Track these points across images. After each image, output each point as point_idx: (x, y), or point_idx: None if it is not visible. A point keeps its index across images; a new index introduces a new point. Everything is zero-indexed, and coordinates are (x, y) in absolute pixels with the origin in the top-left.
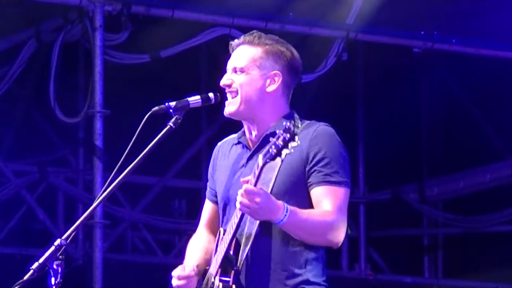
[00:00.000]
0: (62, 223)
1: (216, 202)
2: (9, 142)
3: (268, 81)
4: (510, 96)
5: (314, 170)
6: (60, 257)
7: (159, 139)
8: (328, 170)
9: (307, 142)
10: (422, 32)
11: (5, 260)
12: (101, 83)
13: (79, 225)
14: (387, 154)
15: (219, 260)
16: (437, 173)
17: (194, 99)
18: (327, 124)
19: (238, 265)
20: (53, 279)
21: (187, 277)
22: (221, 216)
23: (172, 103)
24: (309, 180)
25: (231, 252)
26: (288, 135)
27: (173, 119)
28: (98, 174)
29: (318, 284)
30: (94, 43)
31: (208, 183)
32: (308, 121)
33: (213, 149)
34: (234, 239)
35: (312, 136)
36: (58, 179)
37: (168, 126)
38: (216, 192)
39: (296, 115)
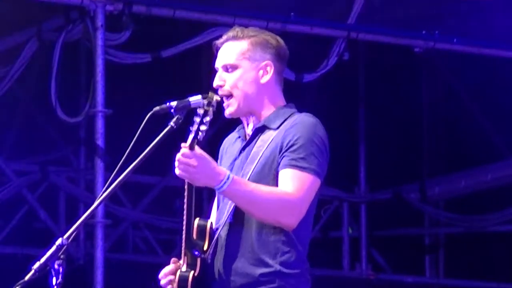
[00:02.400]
0: (63, 222)
1: None
2: (10, 141)
3: (261, 72)
4: (510, 96)
5: (284, 156)
6: (61, 256)
7: (160, 139)
8: (295, 155)
9: (283, 132)
10: (424, 32)
11: (6, 259)
12: (103, 83)
13: (80, 224)
14: (389, 154)
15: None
16: (438, 173)
17: (195, 99)
18: (309, 114)
19: (205, 253)
20: (54, 279)
21: (171, 271)
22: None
23: (173, 103)
24: (279, 166)
25: (194, 238)
26: (202, 110)
27: (174, 119)
28: (100, 173)
29: (292, 276)
30: (95, 42)
31: None
32: (298, 113)
33: (216, 148)
34: (195, 225)
35: (289, 126)
36: (60, 178)
37: (169, 126)
38: None
39: (292, 108)
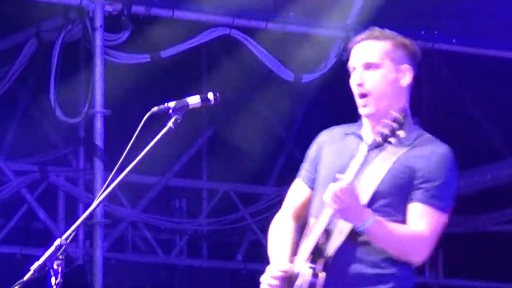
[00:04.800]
0: (62, 222)
1: (312, 188)
2: (9, 141)
3: (401, 74)
4: (510, 96)
5: (421, 188)
6: (61, 256)
7: (158, 139)
8: (433, 192)
9: (423, 158)
10: (422, 32)
11: (5, 259)
12: (102, 83)
13: (79, 224)
14: None
15: (310, 248)
16: None
17: (194, 100)
18: (445, 145)
19: (327, 255)
20: (53, 279)
21: (280, 278)
22: (314, 199)
23: (172, 103)
24: (412, 194)
25: (322, 242)
26: (396, 124)
27: (172, 119)
28: (99, 173)
29: (407, 279)
30: (94, 43)
31: (306, 166)
32: (431, 136)
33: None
34: (325, 230)
35: (430, 153)
36: (59, 178)
37: (167, 127)
38: (314, 178)
39: (417, 125)
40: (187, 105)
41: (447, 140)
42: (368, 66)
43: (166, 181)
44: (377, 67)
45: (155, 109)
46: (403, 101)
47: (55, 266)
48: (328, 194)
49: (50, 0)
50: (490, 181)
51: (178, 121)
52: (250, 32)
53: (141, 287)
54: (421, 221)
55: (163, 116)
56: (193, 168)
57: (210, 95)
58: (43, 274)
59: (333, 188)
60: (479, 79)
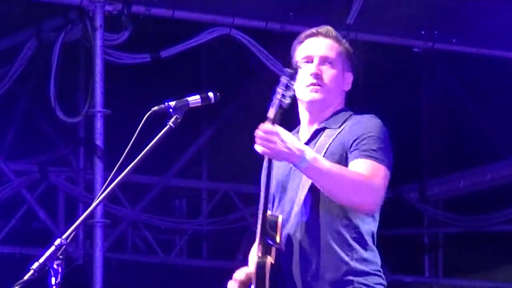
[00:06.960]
0: (62, 222)
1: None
2: (9, 141)
3: (345, 81)
4: (510, 96)
5: (354, 149)
6: (61, 256)
7: (159, 138)
8: (367, 147)
9: (349, 128)
10: (423, 32)
11: (5, 259)
12: (102, 83)
13: (79, 224)
14: None
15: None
16: (437, 173)
17: (194, 99)
18: (373, 115)
19: (278, 244)
20: (53, 279)
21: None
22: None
23: (172, 103)
24: (348, 160)
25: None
26: (284, 88)
27: (173, 119)
28: (99, 173)
29: (367, 273)
30: (94, 42)
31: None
32: (358, 114)
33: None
34: (266, 219)
35: (355, 122)
36: (59, 178)
37: (168, 126)
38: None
39: (349, 111)
40: (187, 104)
41: (446, 140)
42: (325, 61)
43: (166, 181)
44: (332, 65)
45: (155, 108)
46: (340, 102)
47: (55, 266)
48: (256, 143)
49: (50, 0)
50: (489, 181)
51: (179, 120)
52: (250, 32)
53: (141, 287)
54: (363, 170)
55: (164, 116)
56: (193, 168)
57: (211, 94)
58: (43, 274)
59: (257, 133)
60: (479, 79)
